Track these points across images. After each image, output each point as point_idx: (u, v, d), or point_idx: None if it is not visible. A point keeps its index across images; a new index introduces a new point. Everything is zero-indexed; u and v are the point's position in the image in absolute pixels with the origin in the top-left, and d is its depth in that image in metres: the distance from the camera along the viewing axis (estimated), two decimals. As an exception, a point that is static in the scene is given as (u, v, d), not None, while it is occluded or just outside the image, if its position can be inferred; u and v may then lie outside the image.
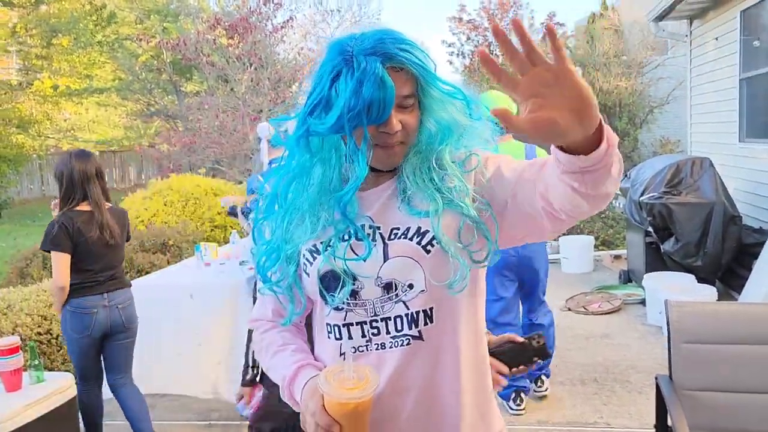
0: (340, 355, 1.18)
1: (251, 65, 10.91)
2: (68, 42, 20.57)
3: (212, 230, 6.54)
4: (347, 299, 1.15)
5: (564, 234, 8.17)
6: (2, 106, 16.26)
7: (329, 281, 1.16)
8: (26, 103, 19.94)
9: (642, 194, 5.45)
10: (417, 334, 1.15)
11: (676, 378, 2.49)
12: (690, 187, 5.24)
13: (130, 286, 3.41)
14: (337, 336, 1.19)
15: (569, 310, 5.69)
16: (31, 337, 3.92)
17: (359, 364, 1.11)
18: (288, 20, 12.18)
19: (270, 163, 4.02)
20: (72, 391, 3.04)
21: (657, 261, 5.64)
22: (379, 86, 1.05)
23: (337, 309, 1.18)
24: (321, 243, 1.17)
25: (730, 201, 5.39)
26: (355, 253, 1.15)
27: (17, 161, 16.73)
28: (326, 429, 1.06)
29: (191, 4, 20.70)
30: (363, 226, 1.16)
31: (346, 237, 1.15)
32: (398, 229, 1.15)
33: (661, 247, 5.47)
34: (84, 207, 3.12)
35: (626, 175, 6.39)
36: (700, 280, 5.20)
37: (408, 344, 1.15)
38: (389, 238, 1.15)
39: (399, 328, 1.15)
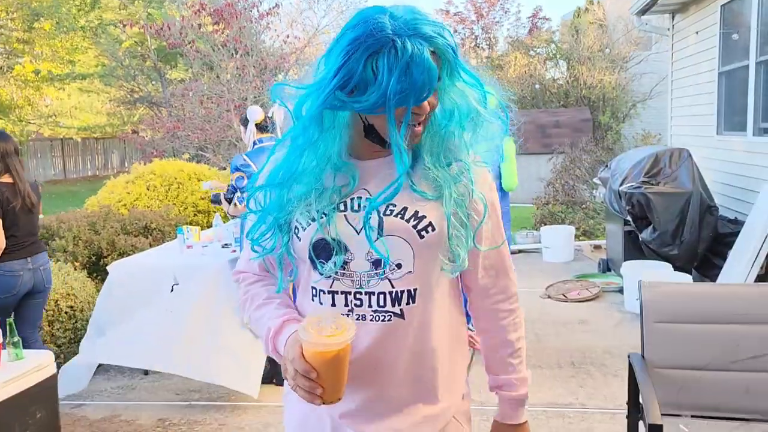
0: None
1: (237, 52, 10.85)
2: (50, 26, 20.25)
3: (195, 215, 6.52)
4: (336, 269, 1.18)
5: (545, 224, 8.26)
6: (-18, 90, 15.97)
7: (320, 249, 1.18)
8: (7, 87, 19.65)
9: (621, 184, 5.53)
10: (399, 312, 1.18)
11: (648, 356, 2.55)
12: (668, 177, 5.33)
13: (46, 250, 3.74)
14: (321, 301, 1.22)
15: (549, 297, 5.76)
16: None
17: (338, 315, 1.13)
18: (274, 7, 12.13)
19: (254, 144, 4.02)
20: (51, 369, 3.04)
21: (635, 250, 5.73)
22: (426, 70, 1.06)
23: (325, 276, 1.20)
24: (317, 211, 1.18)
25: (707, 191, 5.48)
26: (351, 225, 1.17)
27: (-3, 146, 16.46)
28: (304, 375, 1.07)
29: (176, -11, 20.49)
30: (360, 198, 1.18)
31: (342, 208, 1.18)
32: (395, 206, 1.17)
33: (639, 236, 5.56)
34: (6, 179, 3.44)
35: (606, 166, 6.47)
36: (677, 268, 5.29)
37: (389, 320, 1.18)
38: (384, 213, 1.17)
39: (381, 303, 1.17)
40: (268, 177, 1.24)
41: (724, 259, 5.11)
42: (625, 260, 5.66)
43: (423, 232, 1.16)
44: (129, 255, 4.63)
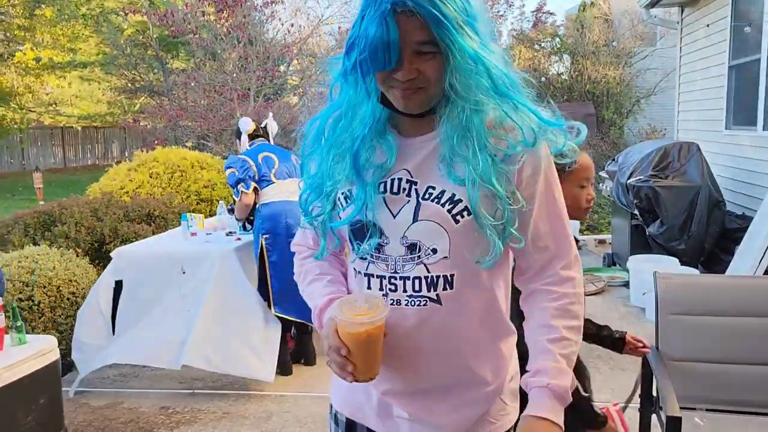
0: None
1: (240, 42, 10.77)
2: (52, 13, 20.13)
3: (198, 203, 6.47)
4: (372, 251, 1.17)
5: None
6: (-18, 76, 15.89)
7: (357, 231, 1.18)
8: (7, 74, 19.55)
9: (629, 177, 5.48)
10: (435, 298, 1.15)
11: (663, 348, 2.51)
12: (677, 171, 5.28)
13: None
14: (358, 282, 1.22)
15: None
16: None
17: (373, 296, 1.14)
18: (278, -4, 12.03)
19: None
20: (54, 354, 3.00)
21: (641, 244, 5.68)
22: (383, 31, 1.02)
23: (361, 258, 1.19)
24: (357, 188, 1.16)
25: (716, 186, 5.44)
26: (389, 208, 1.14)
27: (-3, 133, 16.41)
28: (335, 351, 1.10)
29: (179, -22, 20.37)
30: (401, 179, 1.15)
31: (382, 189, 1.15)
32: (434, 188, 1.13)
33: (646, 230, 5.52)
34: None
35: (614, 159, 6.42)
36: (683, 263, 5.25)
37: (425, 305, 1.15)
38: (423, 197, 1.13)
39: (417, 288, 1.15)
40: (312, 142, 1.24)
41: (731, 254, 5.07)
42: (631, 254, 5.62)
43: (458, 217, 1.12)
44: (131, 242, 4.58)
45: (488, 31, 1.11)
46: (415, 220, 1.13)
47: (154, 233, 5.08)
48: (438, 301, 1.15)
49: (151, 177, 6.53)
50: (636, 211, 5.56)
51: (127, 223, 5.16)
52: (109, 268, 3.89)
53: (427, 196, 1.13)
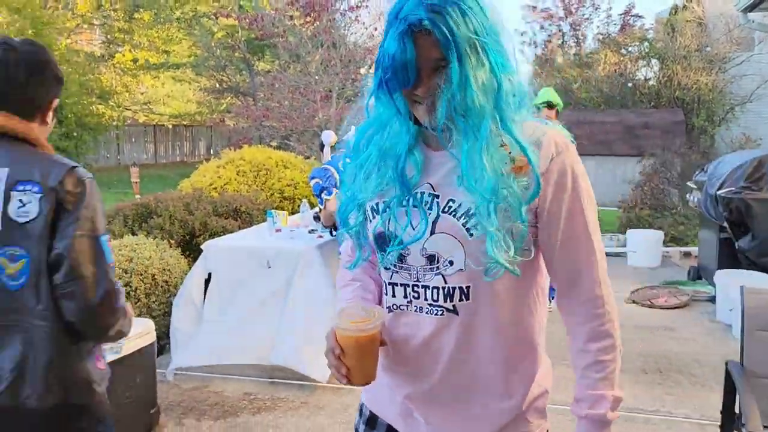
0: (386, 306, 1.28)
1: (323, 45, 11.05)
2: (149, 17, 21.31)
3: (281, 201, 6.72)
4: (395, 262, 1.22)
5: (631, 227, 7.99)
6: (86, 76, 17.01)
7: (382, 242, 1.23)
8: (107, 74, 20.82)
9: (719, 188, 5.28)
10: (452, 308, 1.18)
11: (748, 365, 2.44)
12: (771, 184, 5.04)
13: None
14: (385, 291, 1.27)
15: (633, 302, 5.58)
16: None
17: (372, 306, 1.23)
18: (363, 0, 12.27)
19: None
20: (151, 336, 3.24)
21: (730, 258, 5.46)
22: (401, 51, 1.08)
23: (386, 268, 1.25)
24: (383, 202, 1.22)
25: (815, 201, 5.15)
26: (410, 220, 1.19)
27: (97, 130, 17.49)
28: (330, 352, 1.18)
29: (267, -18, 21.05)
30: (423, 193, 1.19)
31: (404, 203, 1.20)
32: (453, 201, 1.16)
33: (736, 243, 5.29)
34: None
35: (703, 169, 6.19)
36: (776, 280, 5.01)
37: (442, 314, 1.19)
38: (443, 210, 1.17)
39: (435, 298, 1.19)
40: (352, 155, 1.29)
41: (830, 272, 4.80)
42: (718, 269, 5.41)
43: (472, 230, 1.13)
44: (219, 236, 4.83)
45: (509, 46, 1.16)
46: (432, 232, 1.16)
47: (240, 228, 5.33)
48: (455, 311, 1.18)
49: (237, 174, 6.84)
50: (725, 224, 5.35)
51: (216, 218, 5.44)
52: (200, 260, 4.14)
53: (447, 209, 1.17)
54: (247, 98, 17.06)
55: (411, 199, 1.19)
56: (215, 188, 6.62)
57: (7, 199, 1.48)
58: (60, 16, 18.47)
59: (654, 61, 14.35)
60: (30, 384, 1.47)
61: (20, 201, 1.48)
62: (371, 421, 1.37)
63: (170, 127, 24.04)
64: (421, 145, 1.23)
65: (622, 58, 14.43)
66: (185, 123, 24.39)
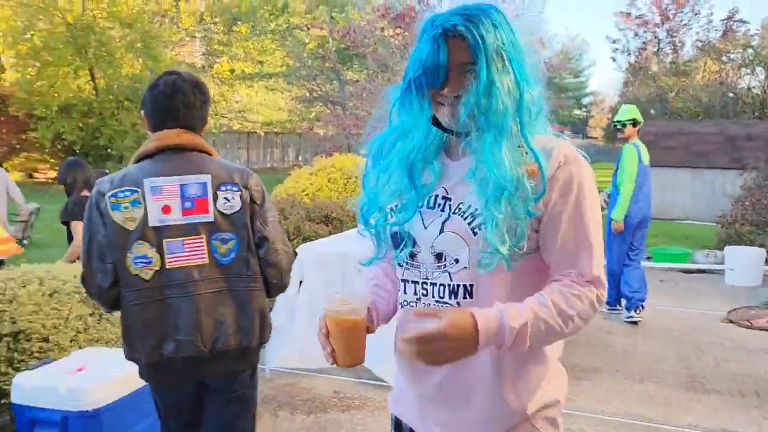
0: (399, 303, 1.35)
1: (412, 55, 11.22)
2: (246, 30, 22.35)
3: (369, 208, 6.90)
4: (407, 259, 1.29)
5: (730, 243, 7.64)
6: (188, 86, 17.99)
7: (397, 240, 1.31)
8: (207, 84, 21.93)
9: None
10: (456, 306, 1.23)
11: None
12: None
13: None
14: (399, 288, 1.35)
15: (731, 322, 5.36)
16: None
17: (362, 296, 1.30)
18: (452, 12, 12.37)
19: None
20: (251, 332, 3.47)
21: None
22: (434, 52, 1.18)
23: (399, 265, 1.32)
24: (401, 204, 1.29)
25: None
26: (423, 220, 1.27)
27: (198, 137, 18.45)
28: (320, 331, 1.29)
29: (357, -6, 21.59)
30: (437, 196, 1.27)
31: (421, 205, 1.28)
32: (463, 204, 1.23)
33: None
34: None
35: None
36: None
37: None
38: (454, 212, 1.24)
39: (441, 295, 1.25)
40: (372, 160, 1.37)
41: None
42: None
43: (476, 229, 1.20)
44: (312, 240, 5.06)
45: (533, 64, 1.24)
46: (441, 231, 1.24)
47: (330, 233, 5.56)
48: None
49: (329, 181, 7.10)
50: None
51: (309, 223, 5.69)
52: (295, 263, 4.35)
53: (457, 210, 1.24)
54: (336, 107, 17.53)
55: (426, 202, 1.28)
56: (307, 194, 6.90)
57: (215, 198, 1.95)
58: (166, 30, 19.70)
59: (759, 69, 13.61)
60: (245, 330, 1.97)
61: (225, 198, 1.96)
62: (397, 426, 1.45)
63: (262, 134, 25.04)
64: (441, 155, 1.31)
65: (723, 66, 13.78)
66: (276, 130, 25.33)
